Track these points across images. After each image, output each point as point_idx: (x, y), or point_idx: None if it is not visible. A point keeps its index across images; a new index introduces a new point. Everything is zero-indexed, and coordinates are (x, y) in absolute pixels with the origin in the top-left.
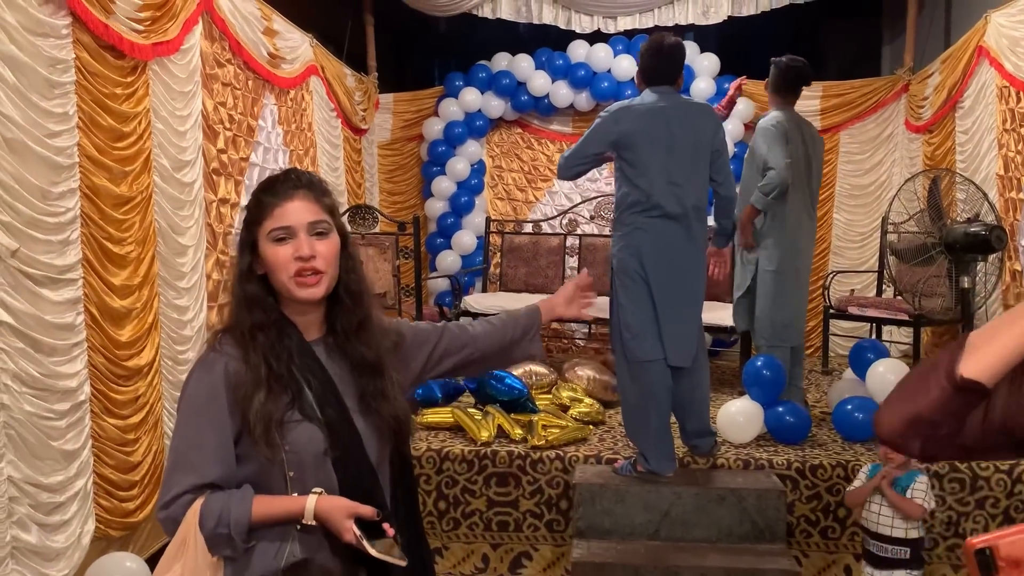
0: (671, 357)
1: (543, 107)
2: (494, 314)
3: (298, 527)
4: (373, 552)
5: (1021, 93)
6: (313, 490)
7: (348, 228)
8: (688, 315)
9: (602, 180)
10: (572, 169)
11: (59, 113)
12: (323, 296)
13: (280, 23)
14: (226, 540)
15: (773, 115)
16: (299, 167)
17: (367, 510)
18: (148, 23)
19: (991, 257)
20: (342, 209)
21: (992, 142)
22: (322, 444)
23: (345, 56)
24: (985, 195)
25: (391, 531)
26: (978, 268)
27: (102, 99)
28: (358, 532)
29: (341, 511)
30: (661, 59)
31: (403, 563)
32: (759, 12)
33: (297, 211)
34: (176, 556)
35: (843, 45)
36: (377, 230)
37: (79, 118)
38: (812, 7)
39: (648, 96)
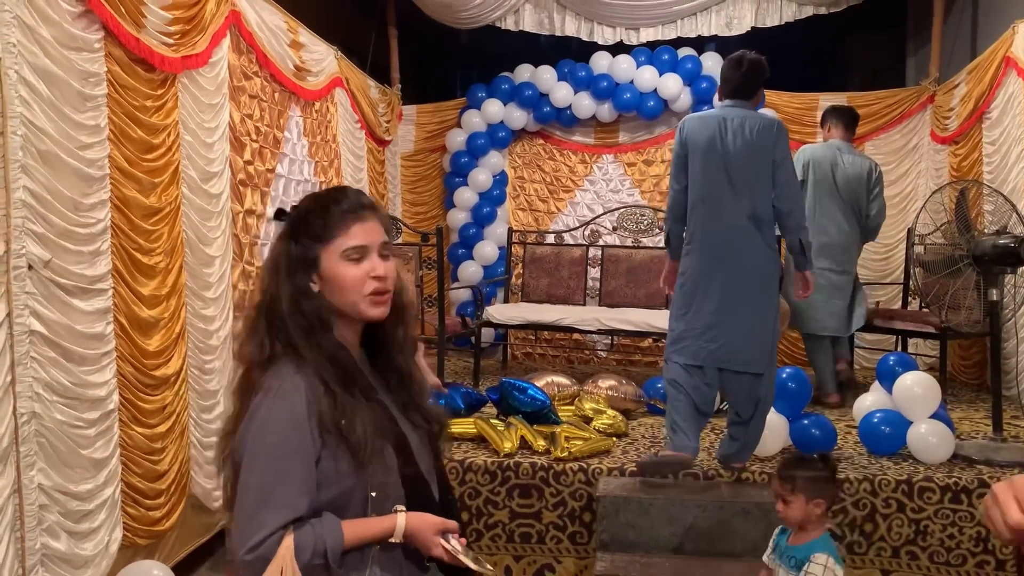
0: (709, 360)
1: (565, 118)
2: (517, 325)
3: (377, 547)
4: (469, 562)
5: None
6: (396, 508)
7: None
8: (738, 323)
9: (624, 191)
10: (671, 195)
11: (91, 125)
12: (386, 314)
13: (306, 36)
14: (323, 569)
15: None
16: (324, 178)
17: (453, 524)
18: (178, 36)
19: (1020, 269)
20: (318, 218)
21: (1020, 153)
22: (395, 461)
23: (369, 68)
24: (1014, 206)
25: (463, 542)
26: (1007, 280)
27: (132, 111)
28: (449, 546)
29: (430, 527)
30: (739, 75)
31: (492, 572)
32: (783, 23)
33: (372, 231)
34: None
35: (867, 56)
36: (400, 241)
37: (110, 130)
38: (835, 18)
39: (719, 107)
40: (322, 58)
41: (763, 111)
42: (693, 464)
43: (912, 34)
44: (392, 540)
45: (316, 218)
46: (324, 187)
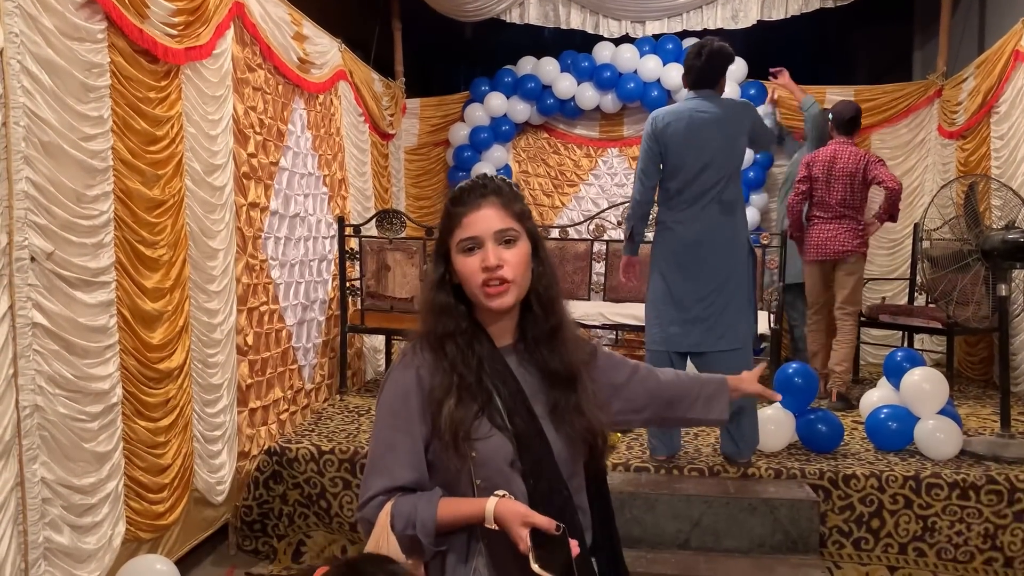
0: (682, 344)
1: (569, 110)
2: None
3: (482, 543)
4: (533, 566)
5: None
6: (495, 492)
7: (539, 232)
8: (707, 305)
9: (629, 185)
10: (644, 188)
11: (94, 117)
12: (512, 305)
13: (310, 28)
14: (415, 541)
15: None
16: (327, 171)
17: (544, 521)
18: (181, 28)
19: None
20: (368, 215)
21: None
22: (510, 455)
23: (373, 61)
24: (1023, 201)
25: (576, 549)
26: (1015, 276)
27: (136, 103)
28: (530, 543)
29: (517, 517)
30: (701, 62)
31: None
32: (788, 16)
33: (484, 220)
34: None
35: (873, 50)
36: (404, 235)
37: (113, 122)
38: (841, 11)
39: (686, 99)
40: (326, 51)
41: (742, 99)
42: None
43: (919, 28)
44: (485, 524)
45: (443, 212)
46: (327, 181)
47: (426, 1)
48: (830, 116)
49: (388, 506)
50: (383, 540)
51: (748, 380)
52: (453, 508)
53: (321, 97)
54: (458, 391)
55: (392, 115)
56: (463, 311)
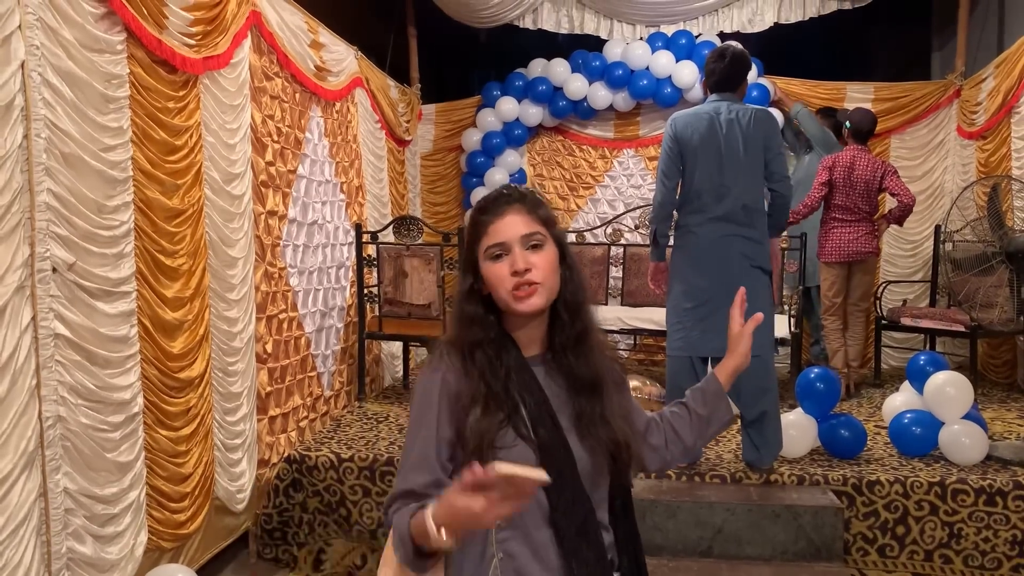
0: (704, 349)
1: (582, 110)
2: None
3: (499, 555)
4: (503, 468)
5: None
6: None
7: (565, 238)
8: (728, 310)
9: (645, 186)
10: (665, 190)
11: (114, 127)
12: (542, 307)
13: (326, 36)
14: (404, 558)
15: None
16: (344, 178)
17: (470, 477)
18: (199, 37)
19: None
20: (385, 221)
21: None
22: (533, 465)
23: (388, 68)
24: None
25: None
26: None
27: (155, 113)
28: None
29: (450, 496)
30: (722, 66)
31: (542, 476)
32: (807, 19)
33: (510, 226)
34: (386, 562)
35: (891, 50)
36: (421, 241)
37: (132, 132)
38: (859, 12)
39: (707, 102)
40: (342, 58)
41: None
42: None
43: (937, 28)
44: (434, 543)
45: (469, 222)
46: (344, 188)
47: (441, 8)
48: (847, 124)
49: (396, 515)
50: (390, 552)
51: (730, 357)
52: (419, 525)
53: (338, 104)
54: (485, 400)
55: (408, 121)
56: (492, 321)
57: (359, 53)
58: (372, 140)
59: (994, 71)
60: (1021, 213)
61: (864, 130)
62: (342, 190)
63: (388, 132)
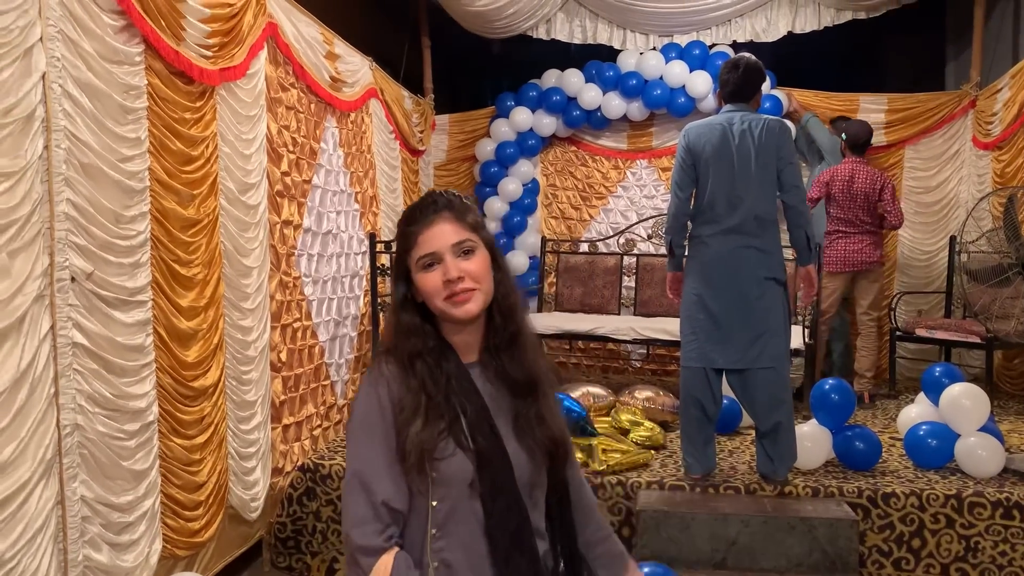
0: (719, 361)
1: (596, 121)
2: (552, 335)
3: (433, 539)
4: None
5: None
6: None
7: (495, 241)
8: (743, 322)
9: (659, 197)
10: (679, 201)
11: (132, 138)
12: (479, 312)
13: (341, 47)
14: None
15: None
16: (359, 189)
17: None
18: (216, 49)
19: None
20: (397, 231)
21: None
22: (470, 474)
23: (403, 78)
24: None
25: None
26: None
27: (172, 124)
28: None
29: None
30: (736, 76)
31: None
32: (821, 28)
33: (440, 235)
34: None
35: (905, 60)
36: None
37: (150, 143)
38: (873, 21)
39: (720, 112)
40: (357, 69)
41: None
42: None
43: (951, 38)
44: None
45: (397, 233)
46: (359, 198)
47: (455, 18)
48: (843, 137)
49: (389, 561)
50: None
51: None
52: None
53: (352, 115)
54: (426, 410)
55: (422, 131)
56: (430, 330)
57: (373, 64)
58: (386, 150)
59: (1009, 81)
60: None
61: (860, 142)
62: (356, 200)
63: (402, 142)
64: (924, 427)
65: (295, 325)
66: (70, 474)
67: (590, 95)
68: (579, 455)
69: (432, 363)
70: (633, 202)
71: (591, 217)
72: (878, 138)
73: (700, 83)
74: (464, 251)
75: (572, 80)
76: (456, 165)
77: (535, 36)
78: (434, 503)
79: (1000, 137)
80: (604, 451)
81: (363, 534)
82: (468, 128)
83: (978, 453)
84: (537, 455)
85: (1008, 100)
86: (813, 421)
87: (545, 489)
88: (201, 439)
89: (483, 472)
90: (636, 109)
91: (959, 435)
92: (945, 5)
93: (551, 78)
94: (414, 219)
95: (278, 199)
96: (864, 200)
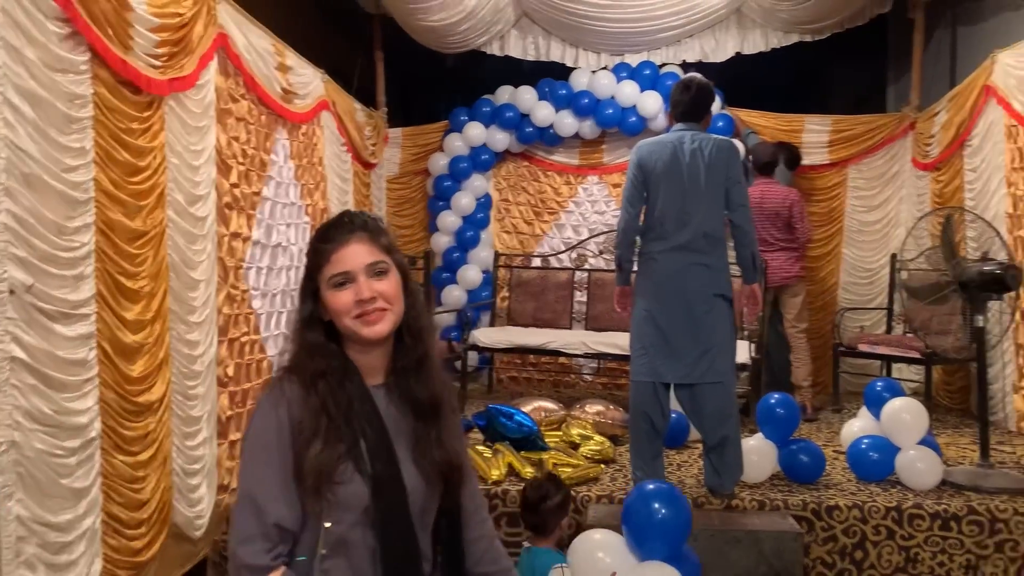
0: (668, 376)
1: (548, 138)
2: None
3: (321, 559)
4: None
5: None
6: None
7: (407, 264)
8: (691, 337)
9: (609, 212)
10: (628, 216)
11: (76, 148)
12: (388, 333)
13: (293, 59)
14: None
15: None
16: (310, 201)
17: None
18: (165, 59)
19: (1006, 296)
20: (309, 248)
21: (1001, 180)
22: (365, 500)
23: (355, 91)
24: (997, 232)
25: None
26: (992, 307)
27: (119, 134)
28: None
29: None
30: (688, 97)
31: None
32: (768, 50)
33: (354, 255)
34: None
35: (849, 82)
36: None
37: (96, 153)
38: (818, 44)
39: (671, 131)
40: (309, 81)
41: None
42: None
43: (893, 62)
44: None
45: (309, 250)
46: (310, 210)
47: (409, 33)
48: (749, 158)
49: None
50: None
51: None
52: None
53: (304, 127)
54: (326, 433)
55: (375, 144)
56: (335, 349)
57: (326, 76)
58: (338, 163)
59: (947, 104)
60: (973, 243)
61: (762, 162)
62: (307, 212)
63: (354, 155)
64: (866, 441)
65: (243, 339)
66: (5, 492)
67: (543, 113)
68: (529, 469)
69: (335, 384)
70: (585, 217)
71: (543, 232)
72: (823, 158)
73: (651, 103)
74: (377, 272)
75: (525, 97)
76: (409, 179)
77: (489, 52)
78: (327, 524)
79: (938, 159)
80: (555, 465)
81: (251, 553)
82: (422, 142)
83: (917, 466)
84: (433, 479)
85: (945, 122)
86: (759, 435)
87: (435, 512)
88: (145, 456)
89: (378, 499)
90: (588, 128)
91: (899, 448)
92: (887, 30)
93: (504, 94)
94: (328, 237)
95: (227, 211)
96: (776, 218)
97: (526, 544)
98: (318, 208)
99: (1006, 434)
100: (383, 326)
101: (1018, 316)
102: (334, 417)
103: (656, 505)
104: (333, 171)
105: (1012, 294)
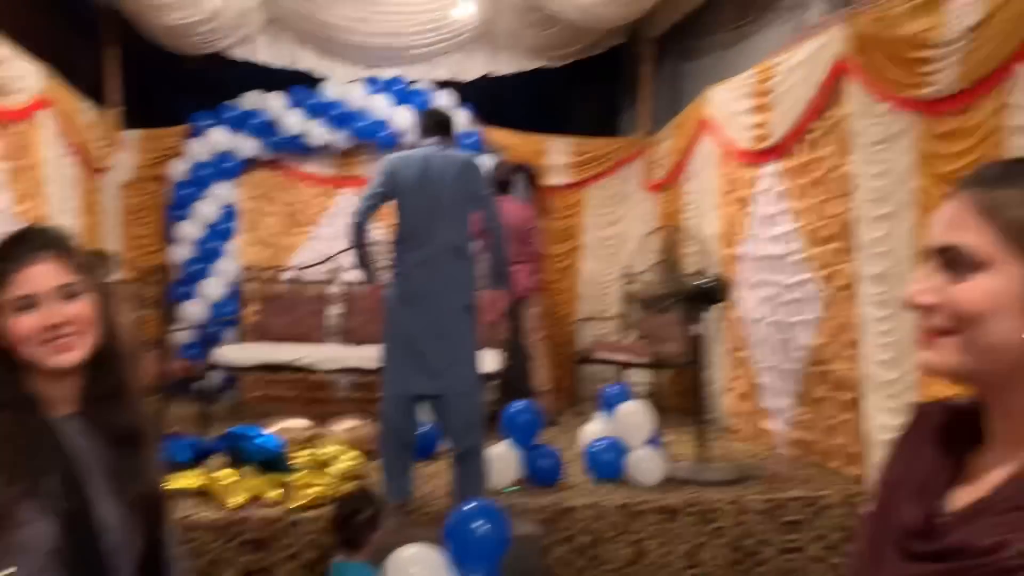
0: (416, 388)
1: (298, 146)
2: (249, 367)
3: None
4: None
5: (737, 161)
6: None
7: (107, 284)
8: (438, 349)
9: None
10: (359, 211)
11: None
12: (80, 360)
13: (5, 49)
14: None
15: None
16: (24, 207)
17: None
18: None
19: (716, 306)
20: None
21: (714, 202)
22: (52, 542)
23: (86, 89)
24: (710, 251)
25: None
26: (706, 316)
27: None
28: None
29: None
30: (433, 121)
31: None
32: (514, 72)
33: (40, 276)
34: None
35: (589, 107)
36: (119, 277)
37: None
38: (561, 70)
39: (421, 148)
40: (24, 75)
41: (467, 153)
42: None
43: (626, 90)
44: None
45: None
46: (24, 217)
47: (140, 31)
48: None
49: None
50: None
51: None
52: None
53: (17, 126)
54: (5, 471)
55: (105, 148)
56: (12, 380)
57: (47, 71)
58: (59, 166)
59: (671, 133)
60: (692, 259)
61: (499, 181)
62: (23, 221)
63: (80, 159)
64: (601, 442)
65: None
66: None
67: (292, 120)
68: (276, 492)
69: (11, 418)
70: (341, 230)
71: (297, 244)
72: (565, 177)
73: (402, 118)
74: (69, 295)
75: (274, 103)
76: (145, 184)
77: (236, 57)
78: (12, 570)
79: (663, 181)
80: (301, 487)
81: None
82: (161, 146)
83: (645, 464)
84: (135, 512)
85: (670, 148)
86: (505, 441)
87: (136, 550)
88: None
89: (68, 540)
90: (341, 138)
91: (630, 448)
92: (621, 60)
93: (252, 99)
94: (9, 256)
95: None
96: (515, 233)
97: (338, 558)
98: (36, 216)
99: (720, 431)
100: (75, 354)
101: (728, 323)
102: (11, 455)
103: (480, 522)
104: (53, 176)
105: (721, 305)
